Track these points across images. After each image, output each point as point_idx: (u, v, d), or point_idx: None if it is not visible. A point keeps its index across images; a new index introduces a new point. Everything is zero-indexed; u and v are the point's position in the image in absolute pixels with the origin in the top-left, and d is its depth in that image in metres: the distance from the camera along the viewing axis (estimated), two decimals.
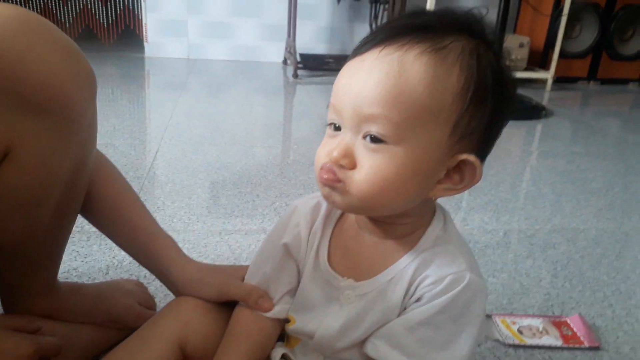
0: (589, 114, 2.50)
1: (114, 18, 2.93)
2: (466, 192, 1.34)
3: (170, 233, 0.65)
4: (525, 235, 1.13)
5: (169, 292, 0.65)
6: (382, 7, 2.71)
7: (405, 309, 0.47)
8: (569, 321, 0.82)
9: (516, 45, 2.77)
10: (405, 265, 0.47)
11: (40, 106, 0.43)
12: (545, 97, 2.64)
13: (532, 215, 1.24)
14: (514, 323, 0.81)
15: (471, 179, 0.44)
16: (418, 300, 0.46)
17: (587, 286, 0.94)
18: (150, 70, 2.73)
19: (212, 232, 1.03)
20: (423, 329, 0.45)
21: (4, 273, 0.58)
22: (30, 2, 2.82)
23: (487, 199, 1.32)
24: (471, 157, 0.43)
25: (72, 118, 0.47)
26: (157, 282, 0.67)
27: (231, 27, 2.97)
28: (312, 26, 2.99)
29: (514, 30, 3.12)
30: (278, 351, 0.55)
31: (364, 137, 0.42)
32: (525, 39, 2.79)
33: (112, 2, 2.90)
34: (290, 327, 0.54)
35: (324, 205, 0.53)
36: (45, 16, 2.97)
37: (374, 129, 0.41)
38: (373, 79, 0.41)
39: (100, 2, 2.89)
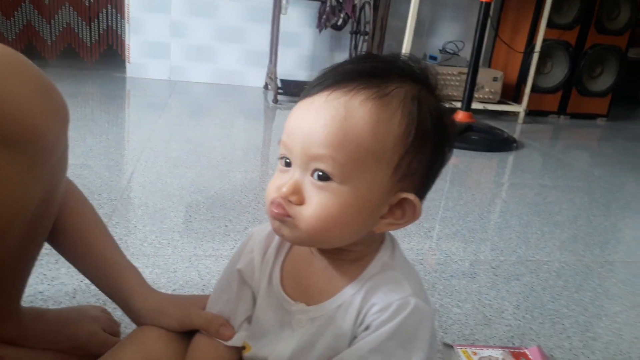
0: (559, 147, 2.59)
1: (96, 38, 2.94)
2: (435, 222, 1.38)
3: (140, 257, 0.66)
4: (491, 266, 1.16)
5: None
6: (362, 37, 2.79)
7: (355, 337, 0.49)
8: (527, 352, 0.85)
9: (490, 79, 2.87)
10: (353, 292, 0.49)
11: (10, 139, 0.44)
12: (517, 130, 2.73)
13: (498, 246, 1.28)
14: (474, 354, 0.83)
15: (412, 215, 0.47)
16: (367, 328, 0.48)
17: (547, 318, 0.97)
18: (131, 90, 2.74)
19: (182, 257, 1.03)
20: (374, 357, 0.47)
21: None
22: (13, 19, 2.82)
23: (455, 229, 1.35)
24: (411, 196, 0.46)
25: (42, 151, 0.47)
26: None
27: (214, 51, 3.01)
28: (293, 54, 3.05)
29: (489, 65, 3.24)
30: None
31: (312, 175, 0.45)
32: (499, 73, 2.90)
33: (96, 22, 2.92)
34: (246, 354, 0.55)
35: None
36: (28, 34, 2.93)
37: (322, 167, 0.44)
38: (321, 121, 0.44)
39: (83, 22, 2.91)
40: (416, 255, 1.17)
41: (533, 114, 3.04)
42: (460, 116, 2.32)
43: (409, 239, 1.25)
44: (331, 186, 0.44)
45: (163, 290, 0.75)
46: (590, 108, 3.19)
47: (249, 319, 0.56)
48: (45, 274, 0.91)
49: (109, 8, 2.89)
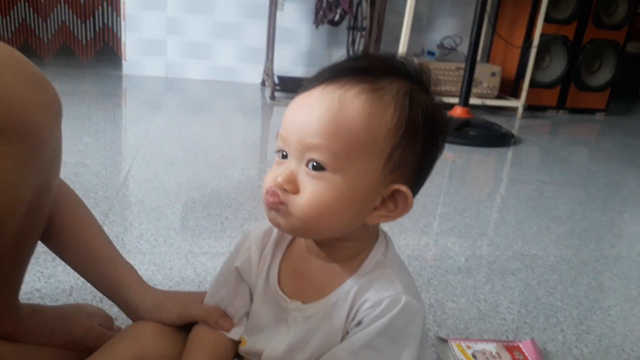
0: (557, 142, 2.59)
1: (92, 36, 2.93)
2: (432, 217, 1.38)
3: (136, 255, 0.67)
4: (486, 261, 1.16)
5: None
6: (359, 33, 2.78)
7: (347, 332, 0.50)
8: (521, 346, 0.85)
9: (488, 74, 2.87)
10: (348, 288, 0.50)
11: (4, 131, 0.45)
12: (515, 125, 2.73)
13: (494, 241, 1.28)
14: (468, 347, 0.84)
15: (404, 207, 0.48)
16: (359, 324, 0.49)
17: (541, 312, 0.98)
18: (127, 88, 2.74)
19: (179, 254, 1.04)
20: (365, 353, 0.48)
21: None
22: (8, 18, 2.81)
23: (452, 224, 1.35)
24: (403, 188, 0.47)
25: (36, 143, 0.48)
26: None
27: (210, 48, 3.01)
28: (291, 50, 3.05)
29: (487, 60, 3.23)
30: None
31: (307, 165, 0.46)
32: (497, 69, 2.90)
33: (91, 19, 2.91)
34: (241, 348, 0.56)
35: (275, 231, 0.56)
36: (24, 33, 2.93)
37: (316, 157, 0.45)
38: (316, 113, 0.45)
39: (79, 20, 2.90)
40: (412, 251, 1.17)
41: (531, 109, 3.04)
42: (458, 111, 2.32)
43: (406, 235, 1.25)
44: (325, 175, 0.45)
45: (159, 287, 0.75)
46: (589, 103, 3.19)
47: (246, 315, 0.57)
48: (42, 272, 0.91)
49: (105, 5, 2.89)
